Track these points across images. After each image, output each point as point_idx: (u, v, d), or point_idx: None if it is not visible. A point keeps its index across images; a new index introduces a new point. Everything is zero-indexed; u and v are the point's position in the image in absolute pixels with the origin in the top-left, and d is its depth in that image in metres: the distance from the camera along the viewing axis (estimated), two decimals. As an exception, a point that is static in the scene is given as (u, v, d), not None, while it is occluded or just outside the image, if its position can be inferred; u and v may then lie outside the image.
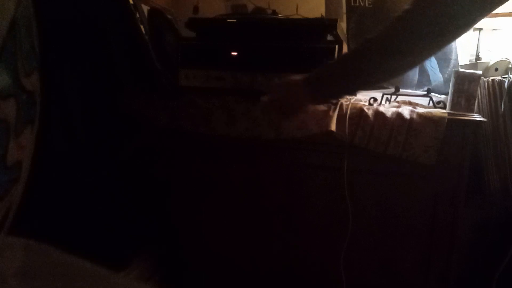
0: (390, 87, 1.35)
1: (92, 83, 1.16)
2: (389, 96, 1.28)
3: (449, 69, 1.32)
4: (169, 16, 1.48)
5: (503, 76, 1.20)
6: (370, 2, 1.33)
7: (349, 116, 1.10)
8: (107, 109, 1.20)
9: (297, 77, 0.99)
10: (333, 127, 1.09)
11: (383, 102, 1.28)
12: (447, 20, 0.81)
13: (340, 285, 1.17)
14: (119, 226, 1.17)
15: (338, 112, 1.11)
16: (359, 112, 1.11)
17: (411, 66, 0.97)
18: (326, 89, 0.98)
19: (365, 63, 0.91)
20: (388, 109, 1.11)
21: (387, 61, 0.89)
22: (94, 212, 1.11)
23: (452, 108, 1.14)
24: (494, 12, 0.82)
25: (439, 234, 1.12)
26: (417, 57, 0.92)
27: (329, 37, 1.20)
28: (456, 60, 1.35)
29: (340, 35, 1.24)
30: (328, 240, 1.19)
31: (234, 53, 1.21)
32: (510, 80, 1.16)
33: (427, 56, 0.97)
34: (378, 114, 1.10)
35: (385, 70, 0.93)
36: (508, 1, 0.79)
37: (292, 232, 1.23)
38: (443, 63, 1.36)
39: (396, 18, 0.85)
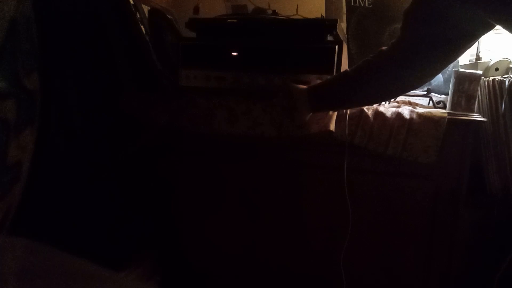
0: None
1: (92, 83, 1.16)
2: (389, 96, 1.28)
3: (449, 69, 1.32)
4: (169, 16, 1.48)
5: (504, 76, 1.20)
6: (370, 2, 1.33)
7: (349, 116, 1.10)
8: (107, 109, 1.20)
9: (303, 86, 1.05)
10: (332, 127, 1.09)
11: (383, 102, 1.28)
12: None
13: (340, 285, 1.17)
14: (120, 226, 1.17)
15: (338, 112, 1.11)
16: (359, 112, 1.11)
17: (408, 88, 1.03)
18: (322, 101, 1.04)
19: (358, 88, 0.99)
20: (388, 109, 1.11)
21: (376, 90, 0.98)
22: (94, 212, 1.11)
23: (452, 108, 1.14)
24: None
25: (439, 234, 1.12)
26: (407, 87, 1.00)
27: (329, 37, 1.19)
28: (456, 60, 1.34)
29: (340, 35, 1.24)
30: (328, 240, 1.19)
31: (235, 53, 1.21)
32: (511, 80, 1.16)
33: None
34: (378, 114, 1.10)
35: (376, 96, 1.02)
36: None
37: (292, 232, 1.23)
38: (443, 63, 1.36)
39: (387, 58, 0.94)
